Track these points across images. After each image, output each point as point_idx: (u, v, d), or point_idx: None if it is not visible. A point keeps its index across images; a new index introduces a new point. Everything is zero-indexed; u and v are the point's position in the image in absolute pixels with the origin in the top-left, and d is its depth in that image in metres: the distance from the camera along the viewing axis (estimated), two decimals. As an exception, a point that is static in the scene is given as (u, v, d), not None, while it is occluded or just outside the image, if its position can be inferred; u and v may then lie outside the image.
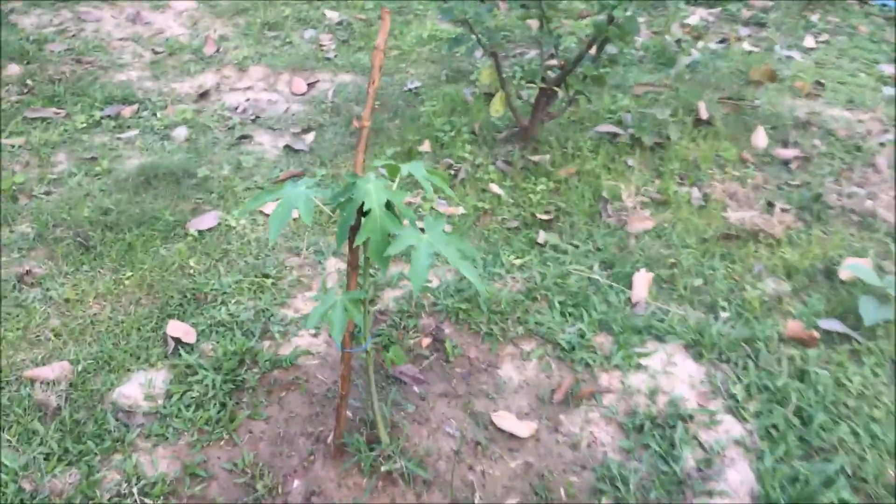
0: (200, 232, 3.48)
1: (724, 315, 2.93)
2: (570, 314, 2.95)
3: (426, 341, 2.91)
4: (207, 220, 3.56)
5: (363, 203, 1.96)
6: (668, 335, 2.82)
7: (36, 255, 3.32)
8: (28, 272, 3.19)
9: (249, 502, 2.31)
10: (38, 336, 2.89)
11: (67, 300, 3.06)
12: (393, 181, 2.07)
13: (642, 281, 3.06)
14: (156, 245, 3.38)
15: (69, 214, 3.54)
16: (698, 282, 3.11)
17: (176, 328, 2.93)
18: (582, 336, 2.85)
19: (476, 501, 2.32)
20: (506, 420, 2.55)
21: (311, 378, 2.75)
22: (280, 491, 2.34)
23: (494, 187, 3.77)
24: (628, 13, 3.31)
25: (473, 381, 2.74)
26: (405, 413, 2.60)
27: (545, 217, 3.51)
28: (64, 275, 3.20)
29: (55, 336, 2.89)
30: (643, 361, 2.73)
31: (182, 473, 2.39)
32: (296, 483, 2.37)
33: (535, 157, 3.98)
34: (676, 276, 3.14)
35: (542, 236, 3.40)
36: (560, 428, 2.54)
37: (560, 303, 2.99)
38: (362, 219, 2.00)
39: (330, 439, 2.48)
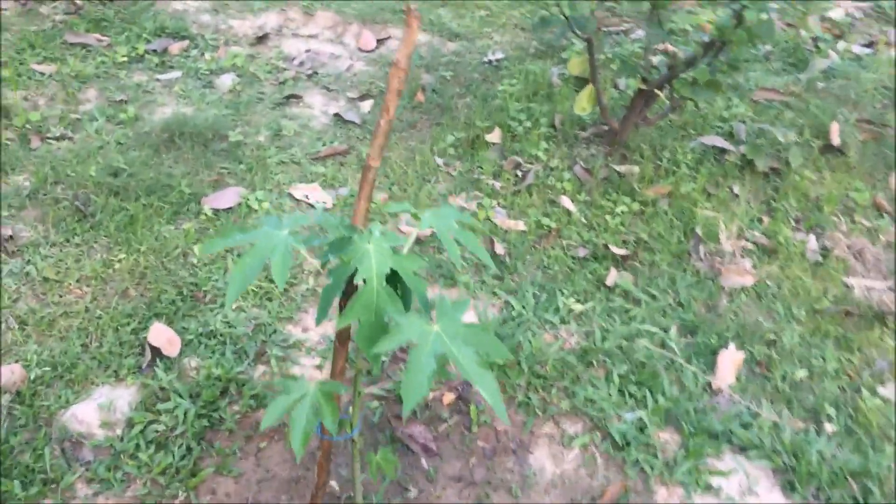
0: (216, 211, 2.99)
1: (829, 428, 2.28)
2: (630, 394, 2.35)
3: (448, 398, 2.37)
4: (227, 197, 3.06)
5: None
6: (754, 450, 2.20)
7: (26, 215, 2.89)
8: (11, 237, 2.76)
9: None
10: (-1, 323, 2.46)
11: (46, 279, 2.62)
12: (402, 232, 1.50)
13: (729, 362, 2.43)
14: (162, 221, 2.90)
15: (75, 170, 3.09)
16: (802, 373, 2.46)
17: (159, 335, 2.46)
18: (642, 429, 2.25)
19: None
20: (526, 533, 2.01)
21: (299, 430, 2.24)
22: (228, 587, 1.87)
23: (566, 201, 3.15)
24: (763, 16, 2.61)
25: (497, 464, 2.19)
26: (404, 501, 2.07)
27: (620, 252, 2.89)
28: (50, 245, 2.76)
29: (19, 325, 2.45)
30: (715, 481, 2.13)
31: (117, 540, 1.93)
32: (250, 578, 1.89)
33: (622, 168, 3.33)
34: (774, 360, 2.49)
35: (612, 276, 2.78)
36: (593, 555, 1.98)
37: (621, 376, 2.40)
38: (358, 284, 1.45)
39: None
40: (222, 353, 2.44)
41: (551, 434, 2.28)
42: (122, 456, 2.12)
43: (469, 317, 2.64)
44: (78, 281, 2.64)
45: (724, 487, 2.12)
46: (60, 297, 2.57)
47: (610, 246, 2.91)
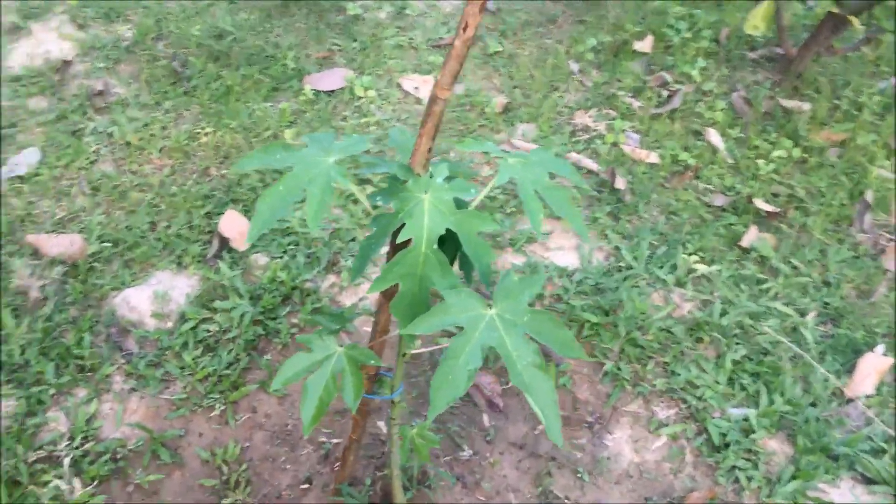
0: (317, 93, 2.72)
1: None
2: (742, 386, 1.98)
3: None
4: (332, 78, 2.78)
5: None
6: (881, 485, 1.80)
7: (121, 70, 2.72)
8: (101, 92, 2.60)
9: (201, 525, 1.70)
10: (71, 185, 2.33)
11: (128, 144, 2.46)
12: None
13: (872, 367, 2.00)
14: (258, 97, 2.67)
15: (179, 27, 2.88)
16: (964, 399, 2.00)
17: (231, 224, 2.27)
18: (746, 431, 1.89)
19: None
20: (583, 530, 1.73)
21: (356, 358, 2.02)
22: (246, 522, 1.71)
23: (714, 135, 2.69)
24: None
25: (567, 436, 1.91)
26: (454, 461, 1.84)
27: (766, 207, 2.43)
28: (140, 107, 2.59)
29: (91, 191, 2.31)
30: (824, 515, 1.77)
31: (145, 446, 1.80)
32: (270, 517, 1.72)
33: (790, 103, 2.80)
34: (931, 375, 2.04)
35: (750, 236, 2.35)
36: (658, 570, 1.69)
37: (734, 362, 2.02)
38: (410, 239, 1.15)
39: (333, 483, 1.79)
40: (293, 256, 2.23)
41: (638, 415, 1.95)
42: (166, 353, 1.97)
43: (569, 258, 2.30)
44: (160, 151, 2.46)
45: (835, 525, 1.76)
46: (139, 166, 2.41)
47: (755, 199, 2.46)
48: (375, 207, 1.20)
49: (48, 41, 2.78)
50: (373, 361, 1.24)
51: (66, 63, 2.66)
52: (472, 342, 1.10)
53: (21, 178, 2.31)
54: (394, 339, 1.37)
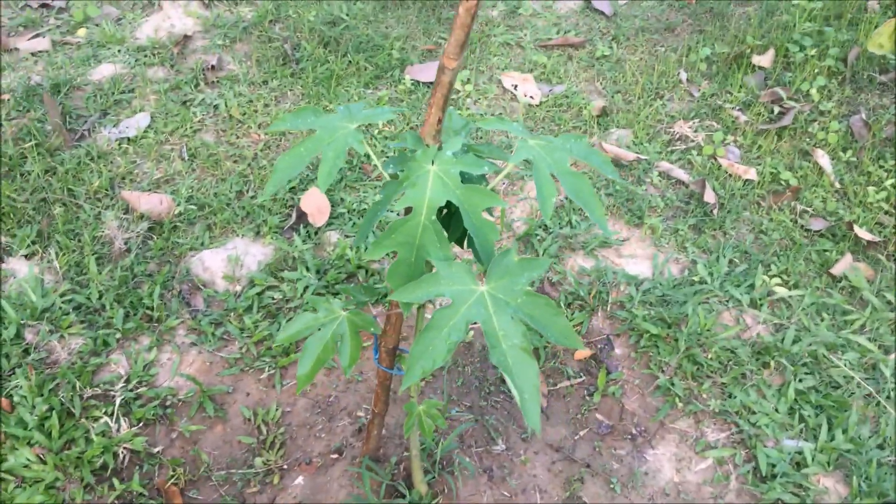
0: (416, 83, 2.77)
1: None
2: (802, 418, 1.85)
3: (582, 353, 2.03)
4: (433, 70, 2.82)
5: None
6: (941, 545, 1.64)
7: (237, 48, 2.87)
8: (214, 67, 2.76)
9: (235, 480, 1.76)
10: (172, 150, 2.48)
11: (231, 117, 2.60)
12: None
13: (958, 418, 1.82)
14: (359, 83, 2.74)
15: (297, 11, 3.01)
16: None
17: (312, 200, 2.35)
18: (799, 465, 1.77)
19: None
20: (604, 540, 1.67)
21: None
22: (274, 483, 1.76)
23: (822, 156, 2.53)
24: None
25: (608, 446, 1.85)
26: (485, 452, 1.82)
27: (868, 237, 2.26)
28: (248, 83, 2.72)
29: (189, 157, 2.46)
30: (870, 566, 1.63)
31: (194, 398, 1.89)
32: (297, 480, 1.77)
33: (915, 131, 2.60)
34: None
35: (844, 264, 2.19)
36: None
37: (798, 392, 1.89)
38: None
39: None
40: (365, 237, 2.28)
41: (685, 433, 1.87)
42: (230, 314, 2.07)
43: (641, 267, 2.23)
44: (259, 126, 2.58)
45: (881, 578, 1.61)
46: (237, 138, 2.54)
47: (856, 227, 2.29)
48: (394, 177, 1.21)
49: (175, 17, 2.98)
50: (372, 329, 1.26)
51: (187, 38, 2.84)
52: (457, 316, 1.09)
53: (129, 140, 2.48)
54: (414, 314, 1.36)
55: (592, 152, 1.24)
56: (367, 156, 1.43)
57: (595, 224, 2.34)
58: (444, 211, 1.28)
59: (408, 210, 1.14)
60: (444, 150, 1.15)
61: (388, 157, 2.24)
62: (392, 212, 2.31)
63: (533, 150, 1.18)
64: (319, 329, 1.26)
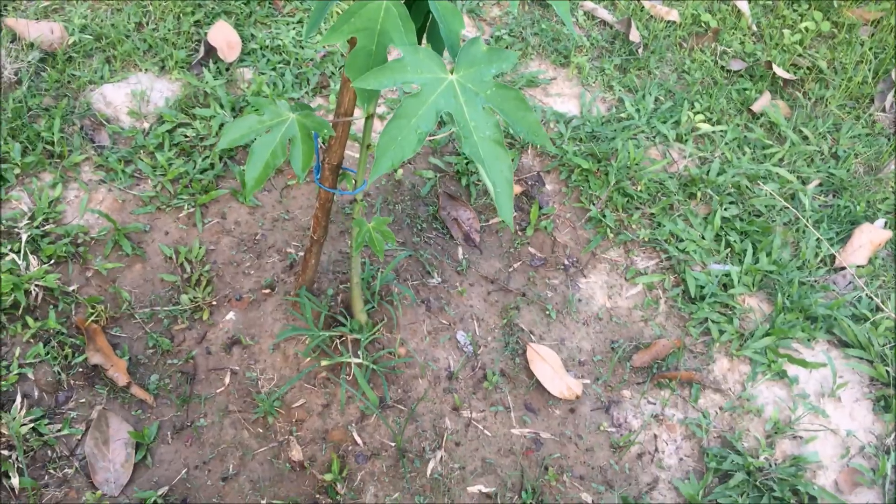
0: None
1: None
2: (728, 244, 1.91)
3: (514, 190, 2.00)
4: None
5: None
6: (856, 349, 1.74)
7: None
8: None
9: (161, 318, 1.67)
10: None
11: (122, -56, 2.34)
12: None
13: (868, 239, 1.91)
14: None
15: None
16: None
17: (220, 34, 2.17)
18: (726, 286, 1.83)
19: (429, 471, 1.55)
20: (544, 364, 1.69)
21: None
22: (203, 318, 1.67)
23: (742, 1, 2.53)
24: None
25: (542, 276, 1.85)
26: (420, 285, 1.79)
27: (785, 75, 2.30)
28: None
29: (77, -16, 2.21)
30: (792, 371, 1.71)
31: (107, 236, 1.75)
32: (229, 315, 1.69)
33: (827, -23, 2.62)
34: (928, 254, 1.95)
35: (763, 101, 2.23)
36: (612, 405, 1.66)
37: (724, 220, 1.94)
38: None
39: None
40: (282, 74, 2.14)
41: (616, 262, 1.89)
42: (139, 152, 1.91)
43: (569, 105, 2.20)
44: (155, -46, 2.34)
45: (800, 381, 1.70)
46: (131, -34, 2.30)
47: (775, 66, 2.32)
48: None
49: None
50: (325, 130, 1.17)
51: None
52: (426, 104, 1.02)
53: (6, -36, 2.20)
54: (359, 129, 1.27)
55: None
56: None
57: (520, 64, 2.27)
58: None
59: None
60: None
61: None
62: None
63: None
64: (268, 132, 1.16)
